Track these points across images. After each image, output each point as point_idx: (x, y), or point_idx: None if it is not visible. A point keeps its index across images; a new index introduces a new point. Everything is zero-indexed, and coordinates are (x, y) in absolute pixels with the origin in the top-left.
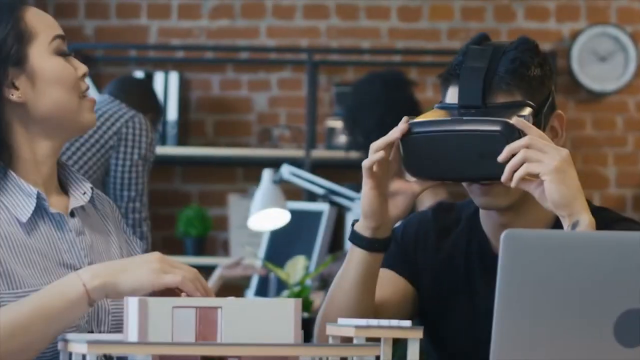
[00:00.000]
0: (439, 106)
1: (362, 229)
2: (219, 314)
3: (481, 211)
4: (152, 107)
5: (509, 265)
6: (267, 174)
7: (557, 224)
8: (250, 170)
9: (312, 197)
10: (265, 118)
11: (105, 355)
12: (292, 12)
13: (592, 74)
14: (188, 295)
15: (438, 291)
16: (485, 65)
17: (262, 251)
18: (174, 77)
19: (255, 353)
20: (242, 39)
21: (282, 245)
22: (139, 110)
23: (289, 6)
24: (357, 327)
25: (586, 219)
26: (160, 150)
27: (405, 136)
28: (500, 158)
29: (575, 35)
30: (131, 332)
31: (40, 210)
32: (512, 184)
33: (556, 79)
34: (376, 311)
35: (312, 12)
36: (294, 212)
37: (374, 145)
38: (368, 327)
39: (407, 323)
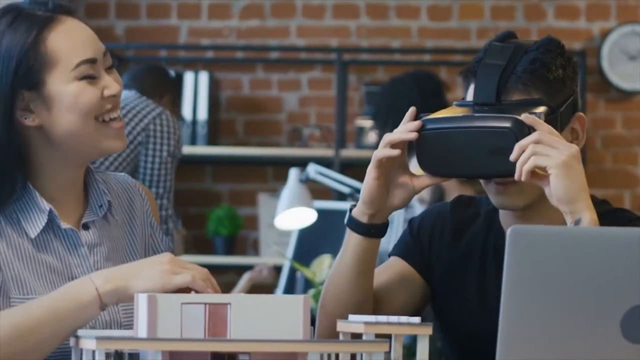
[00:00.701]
0: (457, 103)
1: (360, 214)
2: (228, 311)
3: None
4: (168, 89)
5: (515, 261)
6: (293, 173)
7: None
8: (280, 170)
9: (341, 196)
10: (295, 118)
11: (117, 352)
12: (322, 11)
13: (622, 73)
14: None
15: (451, 284)
16: (504, 63)
17: (290, 250)
18: (203, 77)
19: (265, 349)
20: (272, 39)
21: (310, 244)
22: (155, 94)
23: (319, 6)
24: (366, 323)
25: (588, 217)
26: (191, 149)
27: (418, 133)
28: (512, 157)
29: (605, 34)
30: (141, 328)
31: (51, 224)
32: (523, 178)
33: (586, 78)
34: (379, 296)
35: (342, 12)
36: (322, 211)
37: (388, 139)
38: (377, 323)
39: (417, 319)
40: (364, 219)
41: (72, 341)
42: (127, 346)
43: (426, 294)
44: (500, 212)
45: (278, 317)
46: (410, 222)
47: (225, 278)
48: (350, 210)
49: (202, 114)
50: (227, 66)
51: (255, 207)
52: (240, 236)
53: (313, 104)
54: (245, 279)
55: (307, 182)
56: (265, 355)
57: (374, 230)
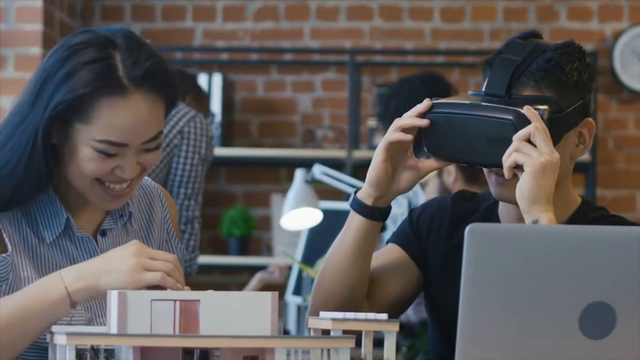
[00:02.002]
0: (472, 93)
1: (365, 196)
2: (198, 307)
3: (500, 203)
4: (187, 90)
5: (474, 259)
6: (299, 174)
7: (571, 220)
8: (294, 171)
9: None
10: (309, 119)
11: (93, 348)
12: (335, 13)
13: (634, 74)
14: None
15: (444, 276)
16: (520, 59)
17: (300, 250)
18: (217, 79)
19: (234, 345)
20: (286, 41)
21: (318, 245)
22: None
23: (333, 7)
24: (334, 319)
25: (546, 219)
26: None
27: (426, 113)
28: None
29: (617, 35)
30: (112, 324)
31: (68, 231)
32: (506, 175)
33: (598, 79)
34: (374, 280)
35: (355, 14)
36: (330, 212)
37: (400, 124)
38: (344, 320)
39: (384, 316)
40: (369, 201)
41: (48, 337)
42: (97, 342)
43: (420, 281)
44: (501, 206)
45: (247, 313)
46: (411, 212)
47: (239, 278)
48: (355, 192)
49: (216, 116)
50: (242, 68)
51: (269, 207)
52: (253, 237)
53: (326, 106)
54: (256, 279)
55: (314, 182)
56: (234, 351)
57: (378, 213)
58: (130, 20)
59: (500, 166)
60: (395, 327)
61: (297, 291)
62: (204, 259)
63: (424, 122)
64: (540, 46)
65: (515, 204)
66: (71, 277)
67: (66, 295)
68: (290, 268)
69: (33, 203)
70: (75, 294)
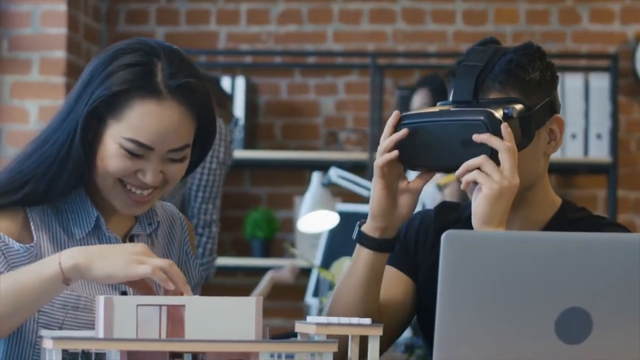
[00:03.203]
0: (440, 103)
1: (370, 229)
2: (183, 312)
3: None
4: (212, 92)
5: (450, 265)
6: (316, 177)
7: (551, 225)
8: None
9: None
10: (332, 121)
11: (84, 352)
12: (358, 16)
13: None
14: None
15: (431, 288)
16: (482, 63)
17: (319, 252)
18: (240, 82)
19: (219, 349)
20: (309, 44)
21: (337, 247)
22: None
23: (356, 11)
24: (318, 324)
25: None
26: None
27: (398, 126)
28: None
29: (639, 37)
30: (99, 328)
31: (97, 230)
32: (462, 186)
33: (619, 81)
34: (381, 309)
35: (378, 17)
36: (349, 214)
37: (382, 147)
38: (328, 324)
39: (367, 320)
40: (375, 234)
41: (40, 342)
42: (83, 346)
43: (417, 296)
44: None
45: (232, 318)
46: (400, 229)
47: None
48: (359, 226)
49: (240, 119)
50: (265, 71)
51: (292, 210)
52: (276, 238)
53: (349, 108)
54: (266, 278)
55: (333, 185)
56: (219, 355)
57: (385, 244)
58: (155, 24)
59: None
60: (379, 331)
61: (317, 293)
62: (228, 261)
63: (402, 133)
64: (501, 50)
65: None
66: (67, 255)
67: (59, 271)
68: (308, 270)
69: (64, 202)
70: (67, 271)
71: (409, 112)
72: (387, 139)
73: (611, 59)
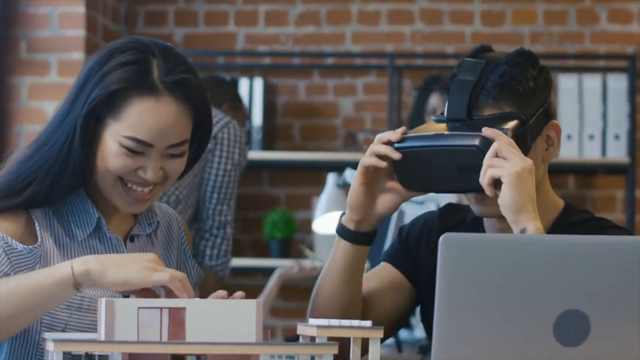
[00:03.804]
0: (435, 119)
1: (347, 221)
2: (184, 315)
3: None
4: (225, 97)
5: (448, 268)
6: (331, 178)
7: (553, 228)
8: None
9: None
10: (350, 122)
11: (87, 354)
12: (376, 17)
13: None
14: (173, 295)
15: (434, 289)
16: (474, 79)
17: None
18: (258, 83)
19: (220, 351)
20: (327, 45)
21: None
22: (213, 104)
23: (374, 12)
24: (319, 327)
25: (533, 227)
26: None
27: (398, 143)
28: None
29: None
30: (101, 331)
31: (98, 231)
32: (488, 193)
33: (637, 82)
34: (369, 300)
35: (396, 18)
36: None
37: (375, 149)
38: (329, 327)
39: (368, 323)
40: (351, 225)
41: (44, 343)
42: (84, 348)
43: (414, 297)
44: (484, 218)
45: (232, 320)
46: (400, 229)
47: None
48: (340, 217)
49: (257, 120)
50: (284, 72)
51: (311, 210)
52: (295, 239)
53: (368, 109)
54: (276, 275)
55: (345, 186)
56: (220, 357)
57: (361, 237)
58: (173, 25)
59: (475, 191)
60: (379, 333)
61: None
62: (246, 262)
63: (396, 156)
64: (493, 61)
65: (498, 217)
66: (79, 261)
67: (70, 275)
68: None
69: (65, 204)
70: (79, 276)
71: (408, 134)
72: (384, 147)
73: (629, 59)
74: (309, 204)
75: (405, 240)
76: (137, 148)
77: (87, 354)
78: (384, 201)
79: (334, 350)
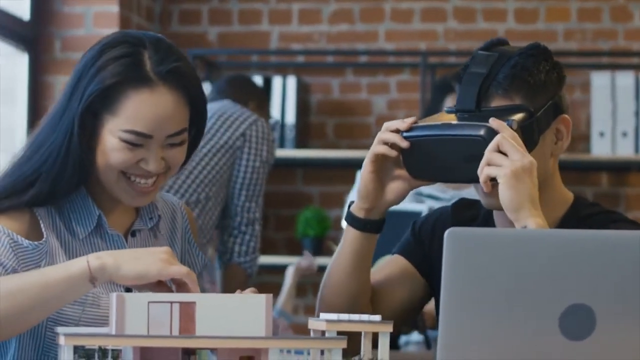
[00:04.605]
0: (447, 110)
1: (357, 210)
2: (194, 309)
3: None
4: (251, 96)
5: (453, 263)
6: (359, 176)
7: (563, 222)
8: None
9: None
10: (384, 120)
11: (100, 348)
12: (410, 15)
13: None
14: (186, 290)
15: None
16: (486, 70)
17: None
18: (291, 81)
19: (230, 345)
20: (361, 43)
21: (384, 245)
22: (239, 103)
23: (407, 10)
24: (328, 321)
25: (533, 224)
26: (280, 152)
27: (407, 132)
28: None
29: None
30: (112, 325)
31: (100, 229)
32: (485, 189)
33: None
34: (379, 291)
35: (429, 15)
36: (396, 213)
37: (384, 137)
38: (339, 321)
39: (377, 317)
40: (360, 214)
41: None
42: (94, 342)
43: (426, 291)
44: (494, 212)
45: (242, 315)
46: (414, 222)
47: (313, 278)
48: (349, 206)
49: (290, 118)
50: (317, 70)
51: (344, 208)
52: (328, 237)
53: (401, 107)
54: (290, 272)
55: None
56: (230, 351)
57: (370, 225)
58: (208, 24)
59: (477, 181)
60: (389, 327)
61: None
62: (279, 260)
63: (404, 144)
64: (505, 54)
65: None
66: (94, 255)
67: (87, 269)
68: None
69: (66, 202)
70: (95, 270)
71: (418, 123)
72: (392, 135)
73: None
74: (342, 201)
75: (419, 233)
76: (137, 140)
77: (100, 349)
78: (392, 189)
79: (343, 344)
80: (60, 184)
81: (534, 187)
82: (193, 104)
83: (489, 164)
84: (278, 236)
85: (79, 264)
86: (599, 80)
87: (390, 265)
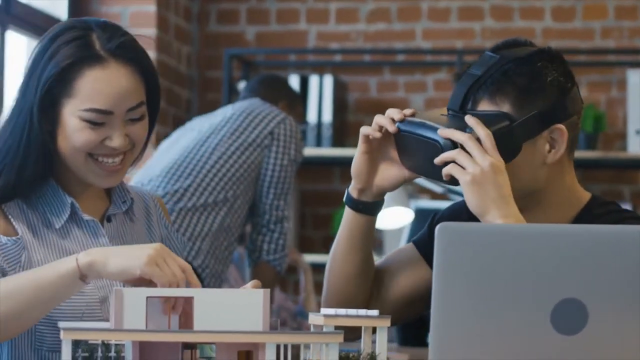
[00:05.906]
0: (447, 107)
1: (352, 189)
2: (192, 304)
3: None
4: (282, 96)
5: (444, 258)
6: None
7: (577, 218)
8: None
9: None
10: None
11: (103, 342)
12: (447, 14)
13: None
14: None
15: None
16: (480, 73)
17: None
18: (328, 80)
19: (227, 339)
20: (398, 42)
21: None
22: (270, 102)
23: (444, 8)
24: (326, 316)
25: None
26: (316, 151)
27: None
28: (436, 160)
29: None
30: (112, 319)
31: (74, 216)
32: (449, 185)
33: None
34: (384, 273)
35: (466, 14)
36: (426, 211)
37: (377, 120)
38: (336, 316)
39: (375, 312)
40: (354, 194)
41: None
42: (93, 337)
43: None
44: None
45: (240, 309)
46: (434, 215)
47: None
48: (349, 186)
49: (327, 117)
50: (355, 69)
51: None
52: None
53: (438, 105)
54: (302, 273)
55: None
56: (228, 346)
57: (362, 206)
58: (245, 23)
59: (442, 181)
60: (386, 322)
61: None
62: (317, 258)
63: (392, 129)
64: (505, 58)
65: None
66: (84, 253)
67: (76, 267)
68: None
69: (38, 196)
70: (84, 267)
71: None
72: (384, 117)
73: None
74: None
75: (433, 226)
76: (98, 119)
77: (103, 343)
78: (385, 174)
79: (340, 339)
80: (25, 173)
81: (502, 187)
82: (146, 77)
83: (453, 165)
84: (315, 234)
85: (69, 263)
86: (636, 78)
87: (399, 252)
